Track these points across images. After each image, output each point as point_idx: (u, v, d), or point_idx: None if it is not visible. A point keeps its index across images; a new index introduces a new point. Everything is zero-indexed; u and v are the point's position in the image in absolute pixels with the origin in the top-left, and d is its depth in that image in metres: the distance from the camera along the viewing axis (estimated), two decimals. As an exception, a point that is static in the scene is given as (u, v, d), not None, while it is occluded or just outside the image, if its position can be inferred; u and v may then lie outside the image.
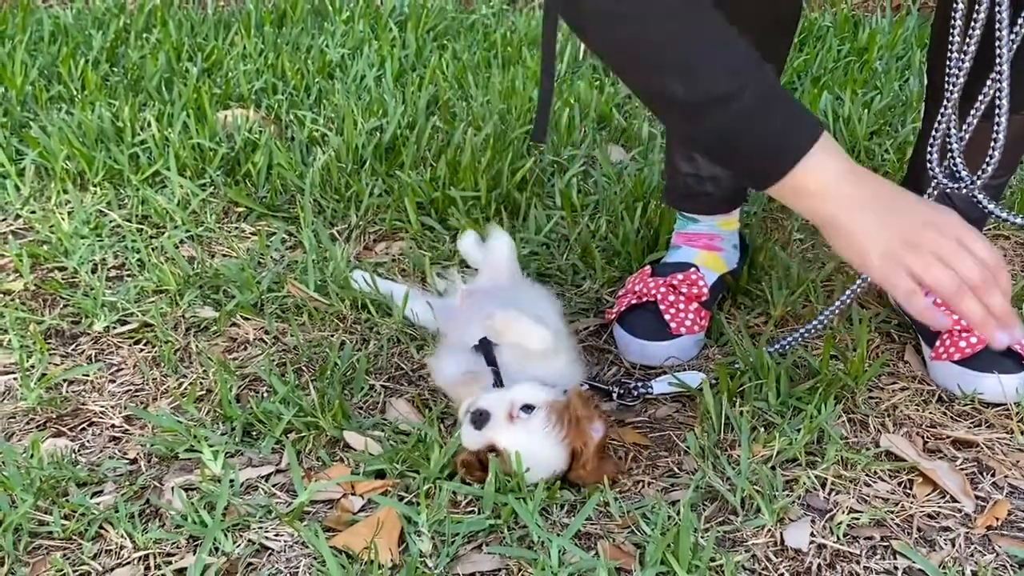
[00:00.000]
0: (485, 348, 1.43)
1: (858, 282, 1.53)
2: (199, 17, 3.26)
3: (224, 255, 1.91)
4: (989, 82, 1.29)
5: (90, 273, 1.82)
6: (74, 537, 1.24)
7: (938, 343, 1.55)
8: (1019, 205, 2.09)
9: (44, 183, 2.16)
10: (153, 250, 1.91)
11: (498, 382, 1.38)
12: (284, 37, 3.08)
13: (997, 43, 1.27)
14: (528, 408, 1.30)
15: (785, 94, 1.19)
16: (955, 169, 1.38)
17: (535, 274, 1.82)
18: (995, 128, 1.31)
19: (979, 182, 1.36)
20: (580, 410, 1.31)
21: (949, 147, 1.38)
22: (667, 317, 1.62)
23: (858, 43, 3.11)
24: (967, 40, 1.30)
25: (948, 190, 1.40)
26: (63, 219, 1.98)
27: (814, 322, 1.55)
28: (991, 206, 1.38)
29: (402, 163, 2.19)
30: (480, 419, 1.29)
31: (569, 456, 1.30)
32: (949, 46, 1.32)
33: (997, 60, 1.28)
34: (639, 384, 1.52)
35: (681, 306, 1.63)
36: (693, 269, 1.67)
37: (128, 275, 1.85)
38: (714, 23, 1.15)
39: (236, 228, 2.02)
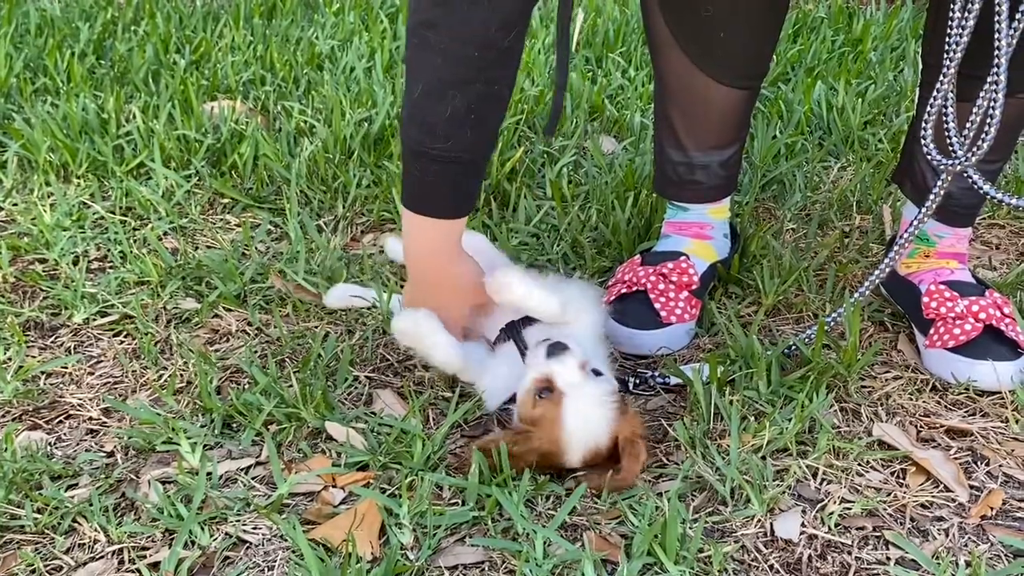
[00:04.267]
0: (514, 333, 1.41)
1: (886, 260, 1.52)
2: (188, 9, 3.22)
3: (208, 246, 1.88)
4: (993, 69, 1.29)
5: (71, 265, 1.79)
6: (46, 531, 1.21)
7: (932, 331, 1.52)
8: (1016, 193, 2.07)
9: (27, 175, 2.13)
10: (135, 242, 1.88)
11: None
12: (274, 29, 3.05)
13: (996, 22, 1.26)
14: (597, 373, 1.29)
15: (476, 177, 1.40)
16: (950, 145, 1.37)
17: (525, 265, 1.79)
18: (991, 107, 1.31)
19: (973, 159, 1.34)
20: (631, 416, 1.30)
21: (945, 125, 1.37)
22: (657, 306, 1.59)
23: (853, 34, 3.08)
24: (965, 15, 1.30)
25: (942, 166, 1.38)
26: (45, 211, 1.95)
27: (812, 326, 1.54)
28: (986, 186, 1.37)
29: (390, 154, 2.16)
30: (556, 350, 1.27)
31: (610, 442, 1.27)
32: (949, 22, 1.31)
33: (996, 40, 1.27)
34: (655, 374, 1.49)
35: (671, 295, 1.60)
36: (683, 258, 1.64)
37: (110, 267, 1.82)
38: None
39: (221, 219, 1.99)
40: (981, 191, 1.38)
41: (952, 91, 1.36)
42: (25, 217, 1.94)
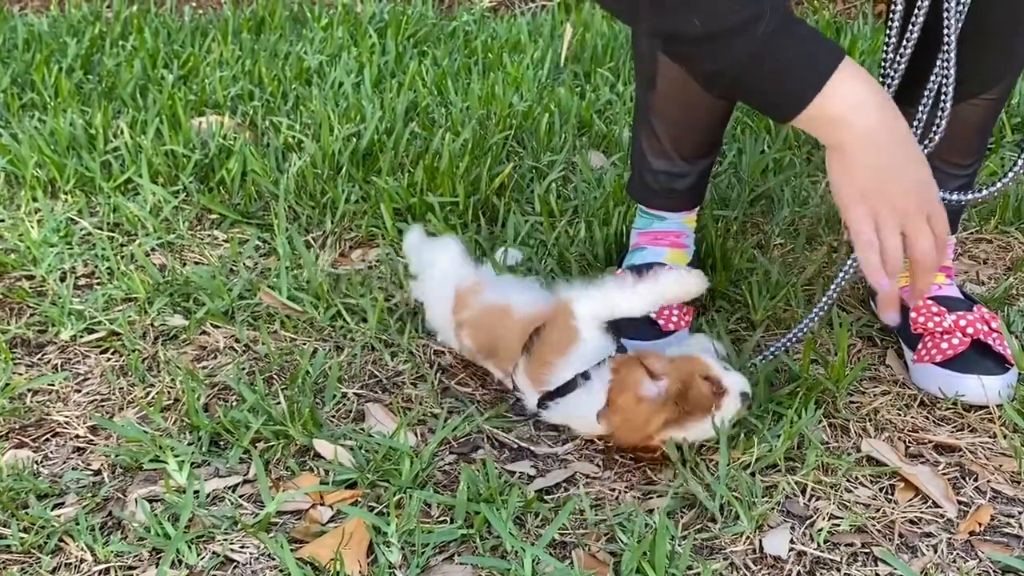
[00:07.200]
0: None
1: (833, 285, 1.51)
2: (176, 24, 3.23)
3: (196, 262, 1.88)
4: (936, 69, 1.33)
5: (58, 281, 1.79)
6: (33, 551, 1.20)
7: (920, 345, 1.53)
8: (1000, 211, 2.08)
9: (14, 191, 2.12)
10: (123, 258, 1.87)
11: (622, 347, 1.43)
12: (262, 44, 3.05)
13: (945, 28, 1.29)
14: None
15: (800, 20, 1.17)
16: None
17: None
18: (939, 114, 1.35)
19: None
20: None
21: None
22: (653, 316, 1.59)
23: (840, 48, 3.09)
24: (908, 32, 1.33)
25: None
26: (32, 227, 1.94)
27: (795, 330, 1.53)
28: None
29: (379, 169, 2.16)
30: (746, 399, 1.35)
31: None
32: (886, 38, 1.34)
33: (944, 47, 1.30)
34: None
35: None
36: (667, 267, 1.65)
37: (98, 283, 1.81)
38: None
39: (209, 235, 1.99)
40: None
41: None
42: (12, 233, 1.94)
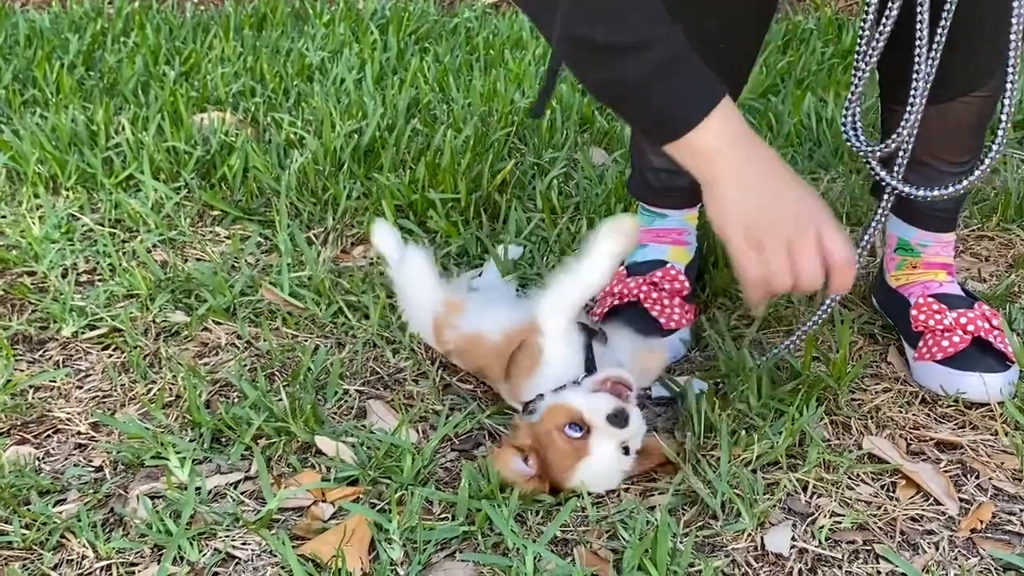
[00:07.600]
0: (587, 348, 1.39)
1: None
2: (177, 21, 3.22)
3: (198, 259, 1.88)
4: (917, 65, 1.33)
5: (60, 278, 1.79)
6: (34, 547, 1.21)
7: (921, 343, 1.53)
8: (1002, 208, 2.07)
9: (16, 187, 2.12)
10: (124, 254, 1.87)
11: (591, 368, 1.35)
12: (264, 40, 3.05)
13: (919, 25, 1.30)
14: (627, 450, 1.29)
15: (693, 55, 1.20)
16: (856, 135, 1.41)
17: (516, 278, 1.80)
18: (908, 109, 1.35)
19: (878, 151, 1.39)
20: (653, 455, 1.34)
21: (855, 121, 1.41)
22: (654, 314, 1.59)
23: (842, 46, 3.09)
24: (881, 27, 1.32)
25: (855, 149, 1.42)
26: (34, 223, 1.94)
27: (798, 332, 1.52)
28: (888, 177, 1.41)
29: (381, 166, 2.16)
30: (618, 419, 1.25)
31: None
32: (859, 36, 1.35)
33: (917, 43, 1.31)
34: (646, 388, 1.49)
35: (666, 302, 1.61)
36: (669, 265, 1.65)
37: (99, 280, 1.81)
38: None
39: (210, 232, 1.99)
40: (878, 177, 1.42)
41: (862, 89, 1.39)
42: (14, 229, 1.94)
